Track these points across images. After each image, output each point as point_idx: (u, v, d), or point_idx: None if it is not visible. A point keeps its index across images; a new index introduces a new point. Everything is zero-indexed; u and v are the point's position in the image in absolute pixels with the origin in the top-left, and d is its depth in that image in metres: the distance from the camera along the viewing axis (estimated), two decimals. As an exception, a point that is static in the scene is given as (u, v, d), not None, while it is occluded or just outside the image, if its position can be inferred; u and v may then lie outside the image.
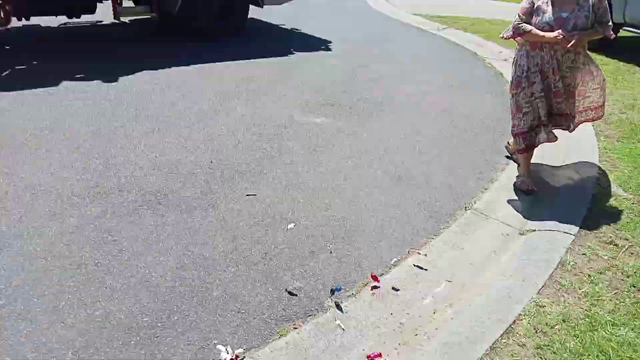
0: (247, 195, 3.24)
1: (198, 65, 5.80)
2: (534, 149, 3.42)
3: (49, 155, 3.59)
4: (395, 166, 3.73)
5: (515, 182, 3.49)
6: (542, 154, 3.63)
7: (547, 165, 3.72)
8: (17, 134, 3.87)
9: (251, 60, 6.12)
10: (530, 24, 3.14)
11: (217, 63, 5.89)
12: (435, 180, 3.55)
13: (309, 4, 9.92)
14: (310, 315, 2.31)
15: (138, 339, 2.11)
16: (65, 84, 4.98)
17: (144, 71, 5.45)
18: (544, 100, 3.24)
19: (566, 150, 3.90)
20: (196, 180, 3.38)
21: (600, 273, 2.64)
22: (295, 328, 2.22)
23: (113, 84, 5.07)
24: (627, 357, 2.10)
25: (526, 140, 3.33)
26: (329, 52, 6.80)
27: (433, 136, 4.28)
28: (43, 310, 2.23)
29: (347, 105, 4.85)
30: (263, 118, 4.44)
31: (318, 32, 7.68)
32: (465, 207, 3.23)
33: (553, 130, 3.35)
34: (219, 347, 2.07)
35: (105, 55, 6.07)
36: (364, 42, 7.42)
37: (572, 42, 3.02)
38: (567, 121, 3.37)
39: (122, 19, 6.95)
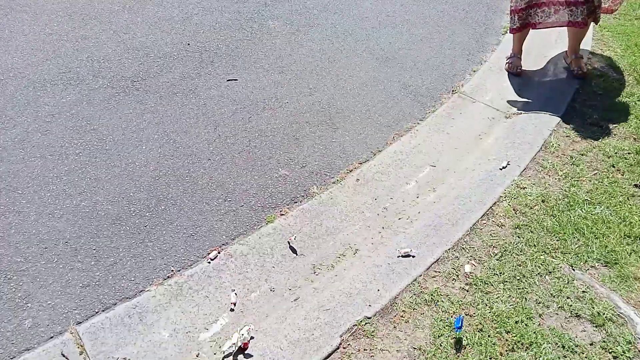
0: (228, 80, 3.11)
1: None
2: (528, 30, 3.25)
3: (15, 37, 3.34)
4: (382, 47, 3.57)
5: (505, 64, 3.38)
6: (534, 34, 3.47)
7: (538, 45, 3.59)
8: (-25, 14, 3.58)
9: None
10: None
11: None
12: (422, 62, 3.43)
13: None
14: (296, 202, 2.34)
15: (127, 228, 2.14)
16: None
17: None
18: None
19: (559, 29, 3.74)
20: (174, 64, 3.22)
21: (582, 154, 2.68)
22: (282, 214, 2.26)
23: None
24: (600, 233, 2.20)
25: (521, 19, 3.15)
26: None
27: (422, 14, 4.06)
28: (28, 201, 2.22)
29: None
30: (241, -6, 4.13)
31: None
32: (453, 91, 3.16)
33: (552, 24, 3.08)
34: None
35: None
36: None
37: None
38: (584, 11, 2.94)
39: None
